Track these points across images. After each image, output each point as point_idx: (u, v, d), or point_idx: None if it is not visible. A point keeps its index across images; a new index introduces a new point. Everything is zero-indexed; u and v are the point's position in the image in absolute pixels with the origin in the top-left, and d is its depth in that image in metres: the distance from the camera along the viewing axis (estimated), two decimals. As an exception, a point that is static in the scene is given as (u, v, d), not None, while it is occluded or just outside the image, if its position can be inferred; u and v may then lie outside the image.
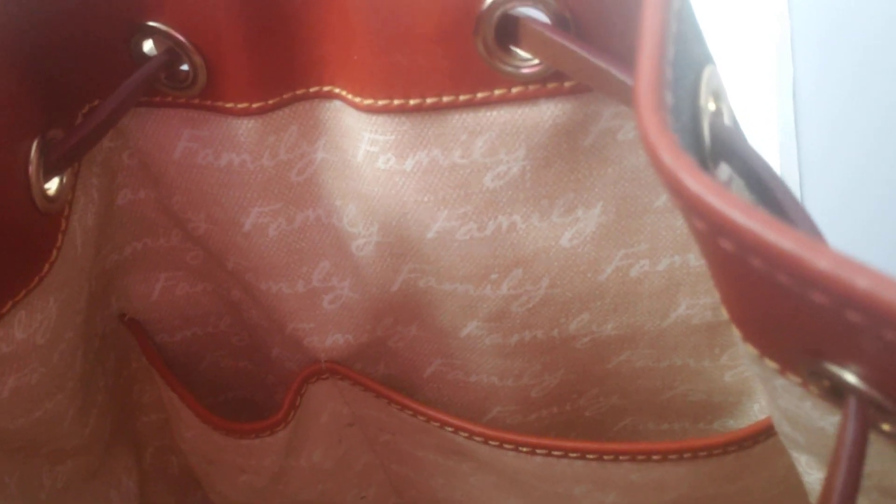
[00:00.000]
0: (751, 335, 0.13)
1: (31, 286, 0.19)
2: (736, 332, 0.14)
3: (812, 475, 0.16)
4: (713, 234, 0.10)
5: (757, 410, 0.24)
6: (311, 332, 0.25)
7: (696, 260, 0.21)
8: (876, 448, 0.13)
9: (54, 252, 0.19)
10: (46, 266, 0.19)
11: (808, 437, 0.15)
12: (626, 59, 0.15)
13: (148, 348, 0.27)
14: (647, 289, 0.21)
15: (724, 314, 0.13)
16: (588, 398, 0.25)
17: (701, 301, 0.21)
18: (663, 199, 0.19)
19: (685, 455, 0.21)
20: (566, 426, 0.26)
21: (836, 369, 0.11)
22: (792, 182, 0.40)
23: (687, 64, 0.13)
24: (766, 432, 0.20)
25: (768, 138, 0.40)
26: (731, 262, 0.10)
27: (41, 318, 0.20)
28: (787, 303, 0.10)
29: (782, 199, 0.13)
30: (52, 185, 0.18)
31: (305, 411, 0.26)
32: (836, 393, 0.12)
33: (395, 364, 0.26)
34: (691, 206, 0.10)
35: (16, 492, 0.25)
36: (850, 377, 0.11)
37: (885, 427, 0.11)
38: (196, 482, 0.34)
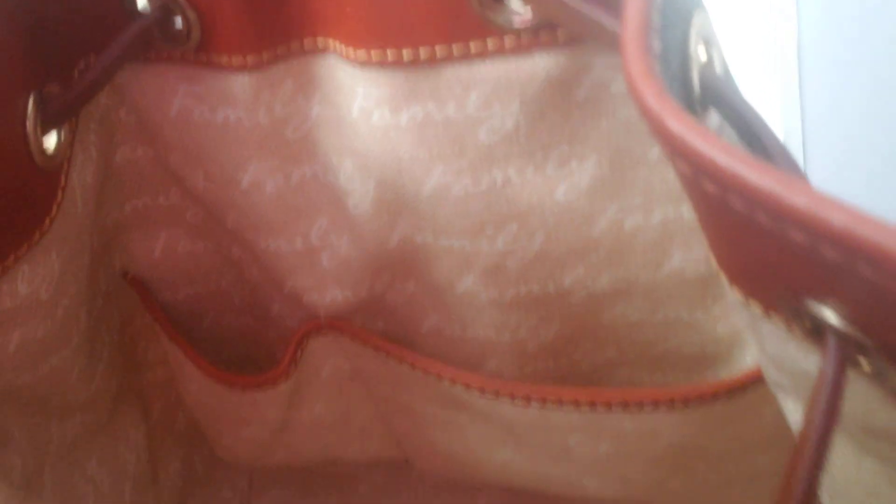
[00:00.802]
0: (736, 278, 0.13)
1: (34, 241, 0.19)
2: (723, 277, 0.14)
3: (798, 418, 0.17)
4: (696, 175, 0.10)
5: (748, 361, 0.24)
6: (310, 288, 0.25)
7: (688, 212, 0.21)
8: (859, 388, 0.13)
9: (55, 207, 0.19)
10: (47, 221, 0.19)
11: (793, 380, 0.15)
12: (618, 8, 0.15)
13: (151, 305, 0.27)
14: (640, 242, 0.21)
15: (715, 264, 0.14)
16: (583, 351, 0.26)
17: (694, 253, 0.22)
18: (656, 151, 0.19)
19: (676, 403, 0.21)
20: (562, 380, 0.27)
21: (816, 308, 0.11)
22: (795, 140, 0.40)
23: (676, 11, 0.13)
24: (754, 380, 0.21)
25: (771, 97, 0.39)
26: (714, 204, 0.11)
27: (44, 272, 0.20)
28: (766, 242, 0.10)
29: (769, 145, 0.14)
30: (51, 141, 0.19)
31: (306, 365, 0.27)
32: (817, 332, 0.12)
33: (393, 320, 0.26)
34: (675, 149, 0.10)
35: (25, 445, 0.26)
36: (830, 315, 0.11)
37: (865, 365, 0.12)
38: (202, 437, 0.35)
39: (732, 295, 0.14)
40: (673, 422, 0.23)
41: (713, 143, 0.10)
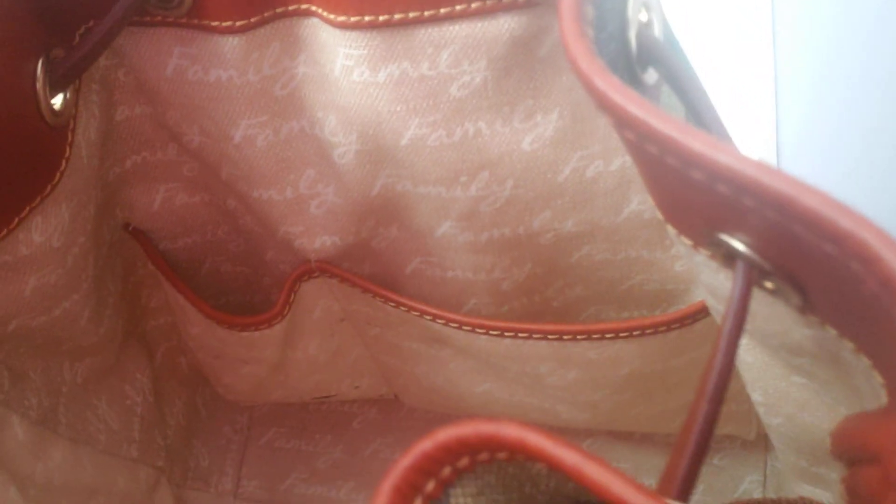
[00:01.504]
0: (668, 216, 0.15)
1: (46, 193, 0.21)
2: (660, 216, 0.16)
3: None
4: (619, 126, 0.12)
5: (703, 296, 0.26)
6: (300, 234, 0.27)
7: (645, 160, 0.23)
8: (774, 310, 0.16)
9: (63, 162, 0.21)
10: (58, 175, 0.21)
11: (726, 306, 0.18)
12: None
13: (153, 254, 0.29)
14: (601, 187, 0.23)
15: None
16: (554, 290, 0.28)
17: (650, 197, 0.24)
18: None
19: (634, 333, 0.24)
20: (536, 316, 0.29)
21: (726, 238, 0.13)
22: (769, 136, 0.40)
23: (615, -21, 0.15)
24: (703, 311, 0.23)
25: (745, 91, 0.39)
26: (636, 151, 0.13)
27: (55, 223, 0.22)
28: (678, 182, 0.12)
29: (699, 104, 0.15)
30: (58, 101, 0.20)
31: (300, 307, 0.29)
32: (731, 259, 0.14)
33: (378, 263, 0.28)
34: (601, 103, 0.12)
35: (40, 384, 0.28)
36: (738, 244, 0.13)
37: (768, 285, 0.14)
38: (204, 379, 0.37)
39: (669, 232, 0.16)
40: (632, 350, 0.25)
41: (630, 98, 0.11)
